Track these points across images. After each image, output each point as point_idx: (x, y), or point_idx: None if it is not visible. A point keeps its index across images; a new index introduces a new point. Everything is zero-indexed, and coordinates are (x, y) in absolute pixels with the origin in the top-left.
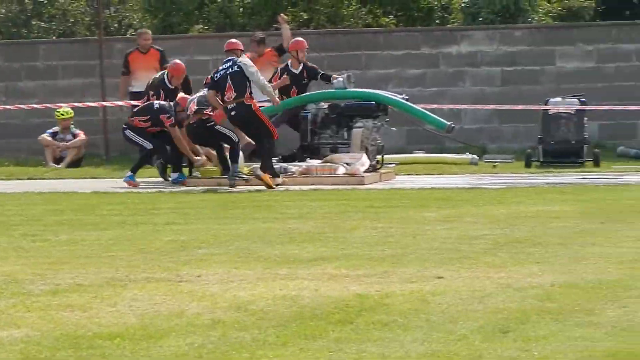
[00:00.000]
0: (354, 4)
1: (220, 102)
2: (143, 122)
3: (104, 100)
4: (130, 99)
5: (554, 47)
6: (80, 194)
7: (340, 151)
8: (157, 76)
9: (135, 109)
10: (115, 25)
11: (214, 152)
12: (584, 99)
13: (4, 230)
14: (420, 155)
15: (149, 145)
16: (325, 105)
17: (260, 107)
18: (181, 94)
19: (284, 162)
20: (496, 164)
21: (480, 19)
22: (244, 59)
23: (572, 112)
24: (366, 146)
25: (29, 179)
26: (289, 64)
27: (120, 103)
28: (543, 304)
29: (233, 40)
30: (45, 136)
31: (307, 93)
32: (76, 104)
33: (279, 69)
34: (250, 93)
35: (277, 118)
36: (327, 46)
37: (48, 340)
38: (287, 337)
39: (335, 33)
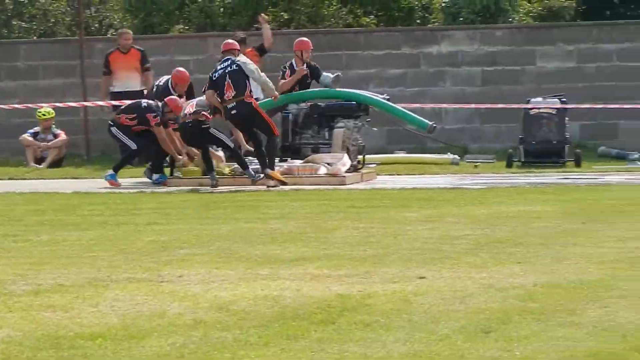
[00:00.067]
0: (334, 4)
1: (219, 102)
2: (129, 120)
3: (85, 101)
4: (111, 99)
5: (534, 47)
6: (61, 194)
7: (321, 151)
8: (161, 83)
9: (123, 107)
10: (96, 25)
11: (197, 152)
12: (564, 99)
13: None
14: (401, 155)
15: (133, 146)
16: (306, 105)
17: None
18: (172, 96)
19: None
20: (477, 164)
21: (461, 19)
22: (242, 58)
23: (554, 112)
24: (347, 146)
25: (10, 179)
26: (294, 63)
27: (101, 103)
28: (525, 304)
29: (230, 40)
30: (26, 136)
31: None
32: (57, 104)
33: (286, 67)
34: (250, 91)
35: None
36: None
37: (30, 340)
38: (268, 337)
39: (316, 33)
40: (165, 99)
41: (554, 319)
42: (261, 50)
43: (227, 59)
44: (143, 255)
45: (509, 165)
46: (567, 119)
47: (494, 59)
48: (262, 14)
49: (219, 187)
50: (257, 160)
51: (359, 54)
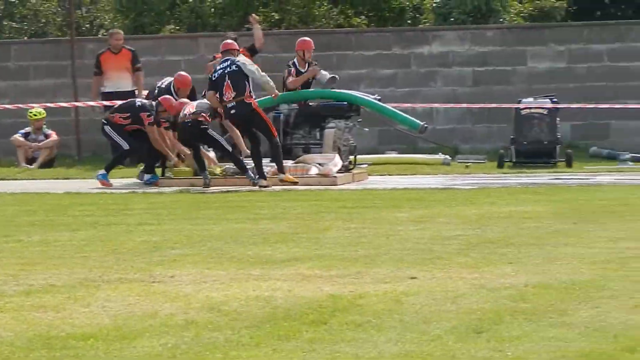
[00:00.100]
0: (325, 4)
1: (218, 102)
2: (123, 119)
3: (76, 101)
4: (103, 99)
5: (525, 47)
6: (52, 195)
7: (312, 151)
8: (163, 85)
9: (117, 105)
10: (87, 25)
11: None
12: (555, 100)
13: None
14: (392, 155)
15: (125, 146)
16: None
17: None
18: (165, 95)
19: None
20: (469, 164)
21: (452, 19)
22: (242, 58)
23: (545, 113)
24: (339, 146)
25: (1, 179)
26: (296, 63)
27: (92, 103)
28: (516, 305)
29: (229, 40)
30: (18, 137)
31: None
32: (48, 105)
33: (291, 67)
34: (250, 92)
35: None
36: None
37: (21, 340)
38: (260, 337)
39: (307, 33)
40: (159, 98)
41: (546, 319)
42: (252, 51)
43: (227, 60)
44: (134, 255)
45: (500, 165)
46: (558, 119)
47: (485, 59)
48: (253, 15)
49: (211, 188)
50: (252, 161)
51: (350, 55)
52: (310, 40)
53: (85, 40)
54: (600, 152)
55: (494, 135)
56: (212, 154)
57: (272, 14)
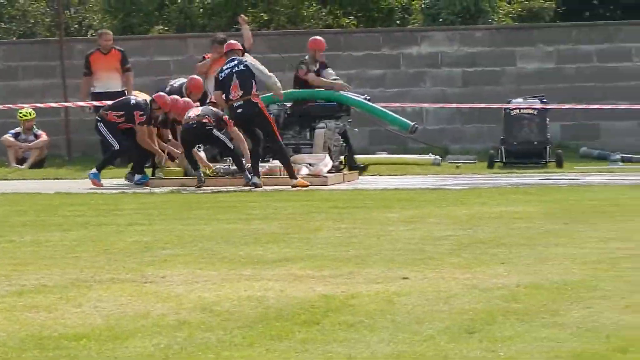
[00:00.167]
0: (314, 4)
1: (225, 101)
2: (117, 117)
3: (65, 101)
4: (92, 100)
5: (514, 48)
6: (43, 195)
7: (303, 152)
8: (176, 85)
9: (112, 103)
10: (76, 26)
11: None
12: (545, 100)
13: None
14: (383, 156)
15: (116, 146)
16: (287, 105)
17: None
18: (159, 93)
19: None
20: (459, 164)
21: (441, 20)
22: (250, 58)
23: (535, 113)
24: (329, 147)
25: None
26: (307, 60)
27: (82, 104)
28: (509, 305)
29: (232, 41)
30: (8, 137)
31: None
32: (38, 105)
33: (303, 66)
34: (256, 91)
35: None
36: (287, 47)
37: (13, 341)
38: (252, 338)
39: (296, 34)
40: (153, 96)
41: (538, 319)
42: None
43: (233, 59)
44: (126, 255)
45: (491, 165)
46: (547, 119)
47: (474, 59)
48: (242, 15)
49: (202, 187)
50: (250, 160)
51: (339, 55)
52: (322, 39)
53: (74, 41)
54: (591, 153)
55: (484, 136)
56: (202, 154)
57: (261, 14)
